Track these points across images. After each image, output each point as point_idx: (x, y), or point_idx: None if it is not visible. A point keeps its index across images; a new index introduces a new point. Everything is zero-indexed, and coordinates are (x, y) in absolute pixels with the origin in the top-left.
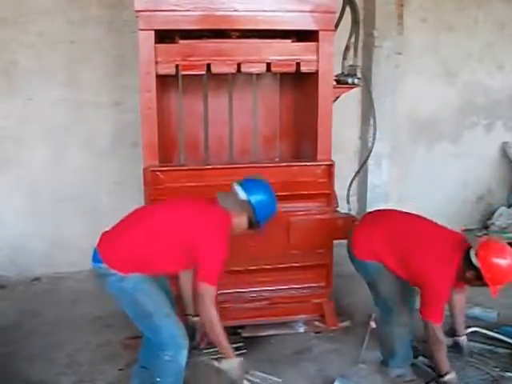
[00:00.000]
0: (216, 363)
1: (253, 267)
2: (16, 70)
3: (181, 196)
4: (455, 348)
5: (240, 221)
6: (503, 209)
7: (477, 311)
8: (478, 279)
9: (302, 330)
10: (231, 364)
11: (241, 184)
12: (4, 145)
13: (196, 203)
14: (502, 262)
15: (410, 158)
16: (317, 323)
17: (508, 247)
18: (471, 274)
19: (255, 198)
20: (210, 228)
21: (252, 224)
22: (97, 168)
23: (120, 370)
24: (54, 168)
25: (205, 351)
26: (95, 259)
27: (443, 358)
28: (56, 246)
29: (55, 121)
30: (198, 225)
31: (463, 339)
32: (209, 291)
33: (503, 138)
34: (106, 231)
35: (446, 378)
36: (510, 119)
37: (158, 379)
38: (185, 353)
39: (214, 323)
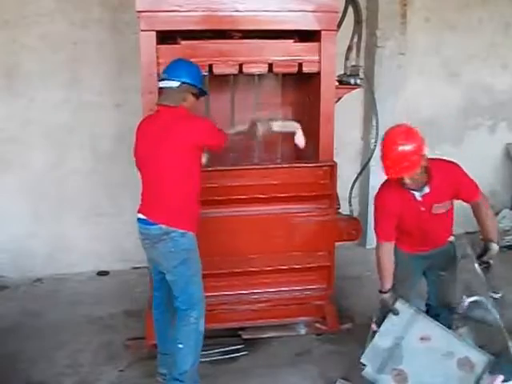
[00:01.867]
0: None
1: (254, 269)
2: (18, 71)
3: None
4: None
5: (190, 102)
6: (506, 211)
7: (480, 313)
8: None
9: (303, 331)
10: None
11: (163, 78)
12: (6, 146)
13: (156, 122)
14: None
15: None
16: (318, 325)
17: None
18: None
19: (183, 75)
20: (187, 123)
21: (198, 95)
22: (99, 170)
23: (121, 371)
24: (56, 170)
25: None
26: (147, 223)
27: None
28: (58, 248)
29: (57, 122)
30: (182, 134)
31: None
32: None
33: (507, 139)
34: (142, 196)
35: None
36: None
37: (181, 345)
38: (204, 321)
39: None
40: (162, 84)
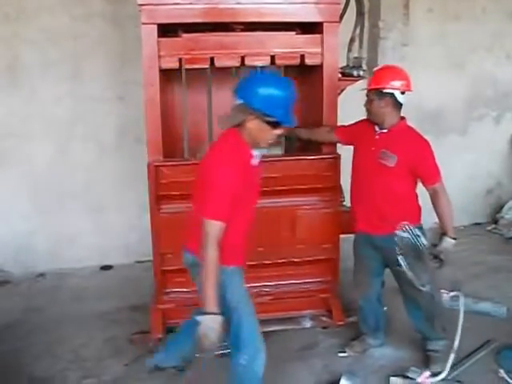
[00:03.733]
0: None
1: (259, 262)
2: (19, 65)
3: None
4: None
5: (253, 128)
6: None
7: (486, 306)
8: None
9: (308, 325)
10: (207, 319)
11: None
12: (8, 141)
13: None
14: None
15: None
16: (323, 318)
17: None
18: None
19: (249, 93)
20: (213, 159)
21: (273, 123)
22: (100, 163)
23: (125, 365)
24: (58, 164)
25: None
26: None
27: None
28: (60, 243)
29: (59, 116)
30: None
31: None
32: (213, 227)
33: None
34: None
35: None
36: None
37: None
38: (261, 358)
39: (210, 263)
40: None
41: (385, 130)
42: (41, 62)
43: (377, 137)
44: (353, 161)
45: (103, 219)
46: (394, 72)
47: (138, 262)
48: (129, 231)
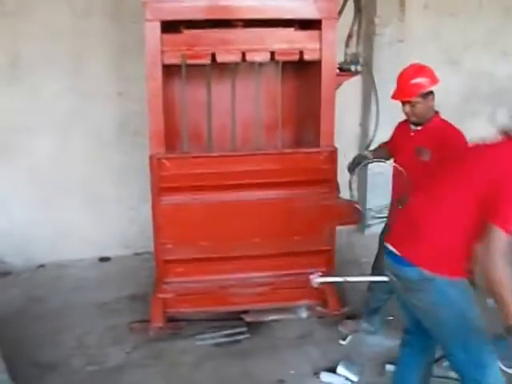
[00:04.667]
0: None
1: (256, 252)
2: (21, 60)
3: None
4: None
5: None
6: None
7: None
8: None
9: (304, 315)
10: None
11: None
12: (10, 134)
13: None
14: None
15: None
16: (319, 308)
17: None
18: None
19: None
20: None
21: None
22: (101, 157)
23: (127, 352)
24: (59, 157)
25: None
26: (399, 262)
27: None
28: (60, 234)
29: (60, 111)
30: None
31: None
32: (501, 238)
33: (507, 126)
34: (394, 226)
35: None
36: None
37: None
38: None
39: (504, 283)
40: None
41: (419, 128)
42: (42, 57)
43: (412, 134)
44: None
45: (102, 212)
46: (424, 71)
47: (137, 253)
48: (127, 223)
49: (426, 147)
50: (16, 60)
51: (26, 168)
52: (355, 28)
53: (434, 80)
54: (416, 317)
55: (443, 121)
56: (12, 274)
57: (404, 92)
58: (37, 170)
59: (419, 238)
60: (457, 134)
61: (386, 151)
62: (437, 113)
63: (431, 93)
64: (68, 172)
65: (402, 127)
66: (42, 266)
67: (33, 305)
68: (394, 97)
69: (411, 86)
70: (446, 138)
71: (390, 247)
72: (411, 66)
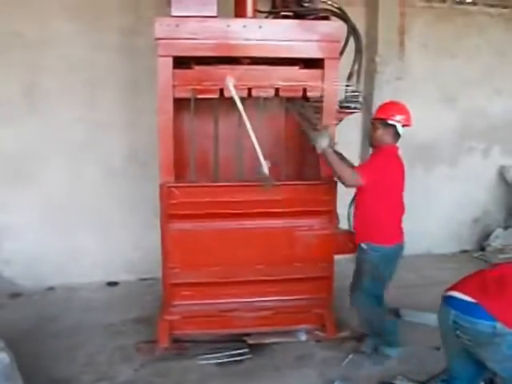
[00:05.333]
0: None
1: (259, 278)
2: (37, 90)
3: None
4: None
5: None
6: (500, 230)
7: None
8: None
9: (303, 338)
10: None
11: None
12: (24, 161)
13: None
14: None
15: (408, 180)
16: (318, 332)
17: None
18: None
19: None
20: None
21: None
22: (110, 185)
23: (135, 370)
24: (70, 184)
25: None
26: (477, 315)
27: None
28: (70, 258)
29: (73, 139)
30: None
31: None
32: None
33: (500, 162)
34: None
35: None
36: (507, 143)
37: None
38: None
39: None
40: None
41: (371, 151)
42: (57, 87)
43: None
44: None
45: (110, 238)
46: (398, 107)
47: (142, 279)
48: (133, 250)
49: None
50: (32, 90)
51: (38, 194)
52: (355, 67)
53: (406, 120)
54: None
55: (392, 151)
56: (23, 295)
57: (376, 113)
58: (48, 196)
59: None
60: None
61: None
62: (393, 146)
63: (394, 127)
64: (78, 198)
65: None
66: (51, 288)
67: (45, 324)
68: (374, 116)
69: (383, 112)
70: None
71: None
72: (401, 103)
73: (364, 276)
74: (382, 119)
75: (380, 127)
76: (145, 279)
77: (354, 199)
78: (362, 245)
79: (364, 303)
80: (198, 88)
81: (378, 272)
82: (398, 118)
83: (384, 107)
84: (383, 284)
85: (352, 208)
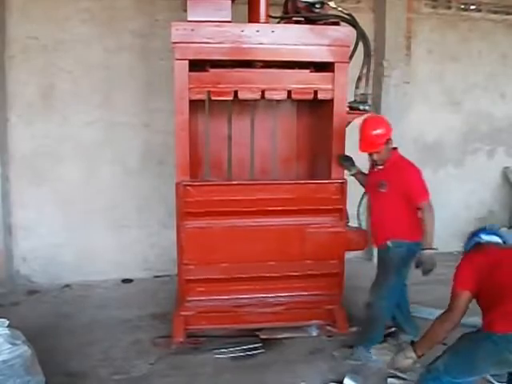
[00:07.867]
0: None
1: (271, 274)
2: (54, 92)
3: None
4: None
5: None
6: (504, 230)
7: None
8: None
9: (315, 333)
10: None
11: None
12: (42, 161)
13: None
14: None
15: None
16: (329, 328)
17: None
18: None
19: None
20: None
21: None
22: (126, 184)
23: (151, 364)
24: (87, 183)
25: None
26: None
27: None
28: (86, 256)
29: (90, 140)
30: None
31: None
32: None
33: (505, 163)
34: None
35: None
36: (511, 145)
37: None
38: None
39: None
40: None
41: (381, 168)
42: (74, 89)
43: (377, 170)
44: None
45: (126, 236)
46: (381, 123)
47: (156, 276)
48: (149, 248)
49: (385, 180)
50: (50, 91)
51: (55, 192)
52: (364, 71)
53: (390, 128)
54: None
55: (400, 157)
56: (40, 292)
57: (371, 145)
58: (65, 195)
59: None
60: (410, 168)
61: (364, 178)
62: (395, 149)
63: (389, 138)
64: (94, 197)
65: (372, 166)
66: (67, 285)
67: (62, 320)
68: (362, 149)
69: (375, 139)
70: (401, 172)
71: None
72: (368, 119)
73: (390, 274)
74: (380, 145)
75: (384, 148)
76: (159, 276)
77: (362, 198)
78: (388, 243)
79: (384, 307)
80: (212, 90)
81: (405, 267)
82: (388, 134)
83: (372, 137)
84: (405, 280)
85: (362, 207)
